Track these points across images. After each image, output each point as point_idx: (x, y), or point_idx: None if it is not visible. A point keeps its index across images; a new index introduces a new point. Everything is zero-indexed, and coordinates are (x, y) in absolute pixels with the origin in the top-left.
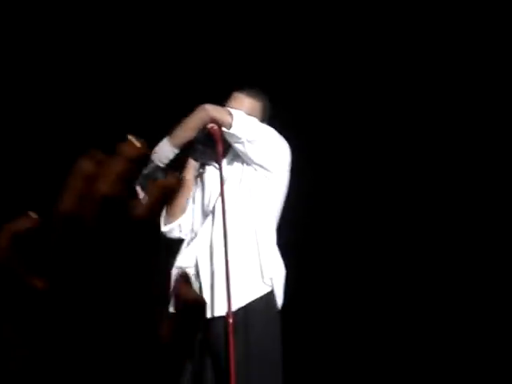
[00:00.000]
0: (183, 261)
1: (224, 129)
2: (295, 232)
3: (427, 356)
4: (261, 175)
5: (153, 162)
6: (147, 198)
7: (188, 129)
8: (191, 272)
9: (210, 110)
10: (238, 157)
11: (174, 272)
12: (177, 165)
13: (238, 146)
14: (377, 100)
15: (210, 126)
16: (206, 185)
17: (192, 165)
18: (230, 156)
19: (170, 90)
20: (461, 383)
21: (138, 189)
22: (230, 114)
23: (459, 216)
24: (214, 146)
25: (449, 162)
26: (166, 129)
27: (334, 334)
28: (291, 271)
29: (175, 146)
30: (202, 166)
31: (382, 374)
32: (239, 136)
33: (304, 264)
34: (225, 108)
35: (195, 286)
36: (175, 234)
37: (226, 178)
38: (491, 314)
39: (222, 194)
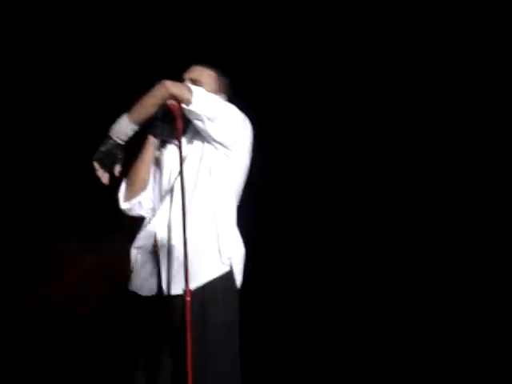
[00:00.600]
0: (141, 240)
1: (183, 105)
2: (256, 211)
3: (400, 338)
4: (221, 154)
5: (111, 138)
6: (107, 176)
7: (147, 105)
8: (150, 250)
9: (170, 86)
10: (198, 134)
11: (134, 252)
12: (136, 142)
13: (197, 123)
14: (345, 78)
15: (169, 102)
16: (166, 163)
17: (152, 142)
18: (190, 134)
19: (128, 65)
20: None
21: (96, 165)
22: (190, 91)
23: (445, 209)
24: (173, 123)
25: (436, 152)
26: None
27: (292, 314)
28: (251, 251)
29: (134, 122)
30: (163, 143)
31: (343, 353)
32: (199, 113)
33: (264, 243)
34: (185, 84)
35: (153, 265)
36: (136, 212)
37: (185, 155)
38: (491, 314)
39: (181, 172)
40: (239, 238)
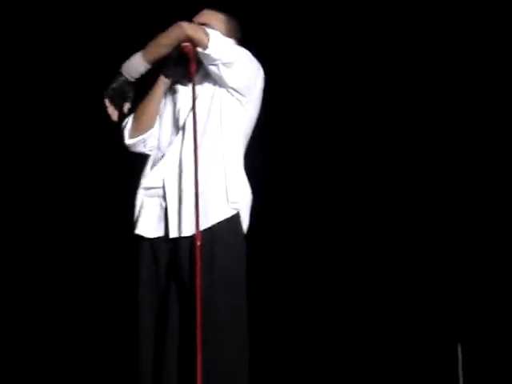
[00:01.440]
0: (150, 181)
1: (199, 49)
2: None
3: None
4: (233, 98)
5: (122, 75)
6: (117, 113)
7: (162, 45)
8: (158, 193)
9: (186, 27)
10: (209, 77)
11: (141, 193)
12: (147, 80)
13: (212, 68)
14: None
15: (184, 44)
16: (176, 103)
17: (163, 81)
18: (201, 75)
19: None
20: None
21: (107, 101)
22: (207, 34)
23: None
24: (186, 65)
25: (436, 152)
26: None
27: (296, 261)
28: (257, 196)
29: (147, 61)
30: (174, 84)
31: (344, 322)
32: (214, 57)
33: (270, 189)
34: (202, 27)
35: (160, 206)
36: (139, 149)
37: (196, 97)
38: (492, 314)
39: (193, 113)
40: (246, 183)
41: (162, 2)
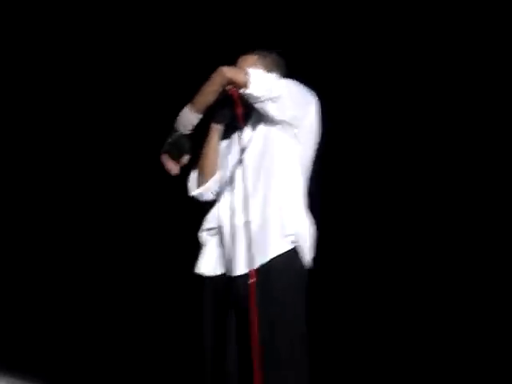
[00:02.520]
0: (207, 223)
1: (241, 90)
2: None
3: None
4: (286, 133)
5: (177, 130)
6: (176, 167)
7: (207, 93)
8: (216, 233)
9: (226, 71)
10: (262, 117)
11: (201, 235)
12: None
13: (258, 105)
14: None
15: (228, 87)
16: (232, 145)
17: (216, 128)
18: (254, 117)
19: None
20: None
21: (165, 157)
22: (247, 74)
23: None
24: (233, 108)
25: (436, 152)
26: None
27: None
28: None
29: (197, 111)
30: (227, 128)
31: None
32: (258, 95)
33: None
34: (241, 68)
35: (219, 247)
36: (207, 197)
37: (250, 138)
38: (491, 314)
39: (241, 155)
40: (307, 217)
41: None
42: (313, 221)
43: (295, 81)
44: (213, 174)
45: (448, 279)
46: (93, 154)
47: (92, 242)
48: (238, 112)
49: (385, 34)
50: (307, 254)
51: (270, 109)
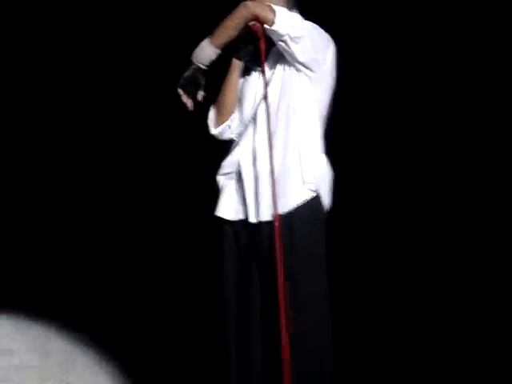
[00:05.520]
0: (227, 168)
1: (266, 26)
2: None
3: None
4: (304, 77)
5: (194, 63)
6: (191, 102)
7: (229, 27)
8: (236, 177)
9: (252, 6)
10: (281, 58)
11: (220, 179)
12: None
13: (281, 44)
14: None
15: (251, 23)
16: (249, 88)
17: (236, 64)
18: (272, 57)
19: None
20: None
21: (180, 91)
22: (273, 11)
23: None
24: (256, 44)
25: (436, 152)
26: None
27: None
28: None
29: (217, 46)
30: (246, 67)
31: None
32: (282, 33)
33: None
34: (267, 4)
35: (239, 191)
36: (226, 135)
37: (269, 80)
38: (491, 314)
39: (265, 95)
40: (324, 162)
41: None
42: (329, 164)
43: (316, 25)
44: (231, 112)
45: (442, 265)
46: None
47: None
48: (262, 48)
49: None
50: (326, 200)
51: (293, 48)
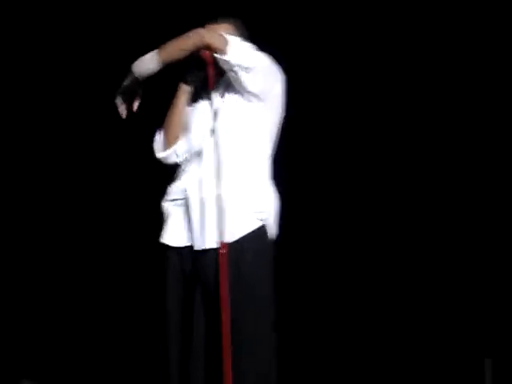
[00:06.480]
0: (172, 195)
1: (217, 55)
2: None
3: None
4: (254, 106)
5: (132, 74)
6: (125, 112)
7: (178, 49)
8: (182, 204)
9: (204, 34)
10: (231, 87)
11: (165, 205)
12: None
13: (231, 73)
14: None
15: (202, 50)
16: (198, 116)
17: (184, 90)
18: (222, 87)
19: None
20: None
21: (118, 100)
22: (226, 40)
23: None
24: (205, 71)
25: (436, 152)
26: None
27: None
28: (285, 202)
29: (161, 61)
30: (197, 94)
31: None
32: (234, 63)
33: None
34: (220, 33)
35: (185, 219)
36: (172, 160)
37: (218, 107)
38: (491, 314)
39: (213, 127)
40: (273, 192)
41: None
42: (277, 194)
43: (266, 54)
44: (178, 137)
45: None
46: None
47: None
48: (210, 74)
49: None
50: (273, 229)
51: (243, 78)
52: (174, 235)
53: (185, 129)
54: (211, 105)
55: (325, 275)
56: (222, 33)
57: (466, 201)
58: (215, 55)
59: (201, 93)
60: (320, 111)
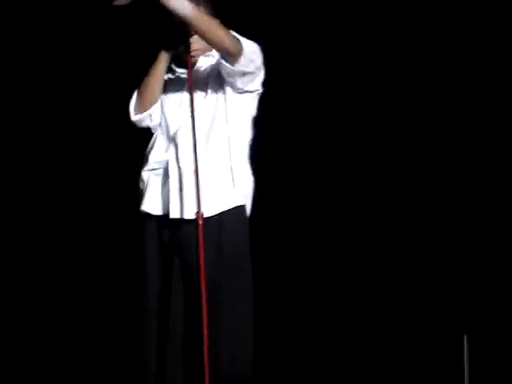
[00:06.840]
0: (153, 164)
1: (224, 61)
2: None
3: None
4: (241, 96)
5: None
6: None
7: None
8: (161, 174)
9: (225, 39)
10: (217, 77)
11: (145, 174)
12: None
13: (229, 78)
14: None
15: (193, 53)
16: (183, 87)
17: (164, 56)
18: (207, 73)
19: None
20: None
21: None
22: (241, 47)
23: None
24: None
25: (436, 152)
26: None
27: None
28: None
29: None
30: (177, 61)
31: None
32: (237, 71)
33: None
34: (235, 35)
35: (165, 187)
36: (146, 123)
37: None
38: (491, 314)
39: (191, 103)
40: (250, 171)
41: None
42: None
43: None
44: (154, 102)
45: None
46: None
47: None
48: (188, 62)
49: None
50: (249, 206)
51: (239, 81)
52: (153, 203)
53: (161, 94)
54: (189, 87)
55: (303, 262)
56: (236, 34)
57: (453, 196)
58: (222, 62)
59: (184, 68)
60: (307, 99)
